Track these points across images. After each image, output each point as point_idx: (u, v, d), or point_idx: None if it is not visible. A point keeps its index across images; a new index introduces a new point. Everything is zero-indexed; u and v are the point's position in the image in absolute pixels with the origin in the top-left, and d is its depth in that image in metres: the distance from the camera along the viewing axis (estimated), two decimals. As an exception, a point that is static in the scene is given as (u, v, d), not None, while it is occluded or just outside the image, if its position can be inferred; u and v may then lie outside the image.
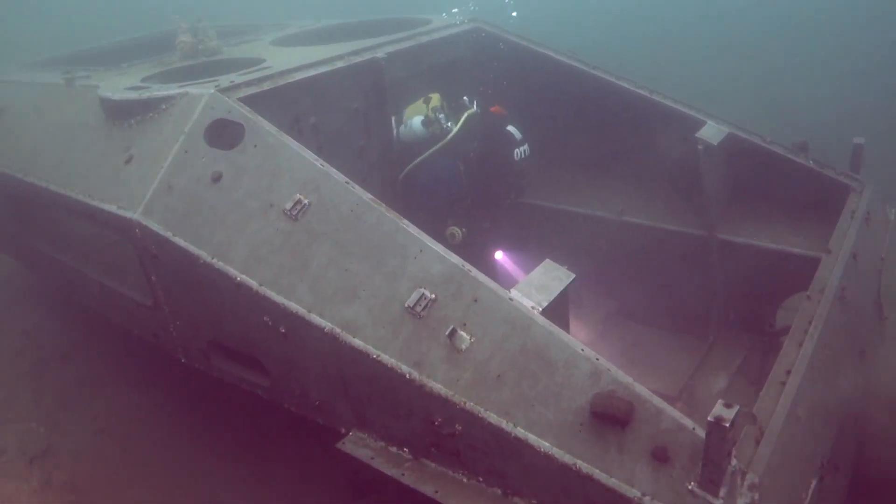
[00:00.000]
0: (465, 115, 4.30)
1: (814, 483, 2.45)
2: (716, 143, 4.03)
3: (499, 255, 4.55)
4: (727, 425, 1.93)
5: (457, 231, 4.25)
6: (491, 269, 4.50)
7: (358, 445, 2.79)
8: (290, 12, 6.64)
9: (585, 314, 4.81)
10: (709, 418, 1.96)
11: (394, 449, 2.73)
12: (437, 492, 2.52)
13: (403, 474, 2.63)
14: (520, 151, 4.35)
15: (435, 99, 4.40)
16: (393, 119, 4.45)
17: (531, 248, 4.57)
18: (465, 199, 4.39)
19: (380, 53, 4.08)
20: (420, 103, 4.42)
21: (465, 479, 2.54)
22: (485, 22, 4.90)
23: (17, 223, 4.64)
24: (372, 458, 2.73)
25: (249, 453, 3.80)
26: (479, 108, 4.46)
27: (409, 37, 4.43)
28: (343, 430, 2.89)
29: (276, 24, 5.79)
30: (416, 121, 4.35)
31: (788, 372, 2.58)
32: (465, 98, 4.47)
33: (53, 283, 5.02)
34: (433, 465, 2.63)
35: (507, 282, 4.40)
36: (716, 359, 4.32)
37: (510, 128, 4.37)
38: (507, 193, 4.54)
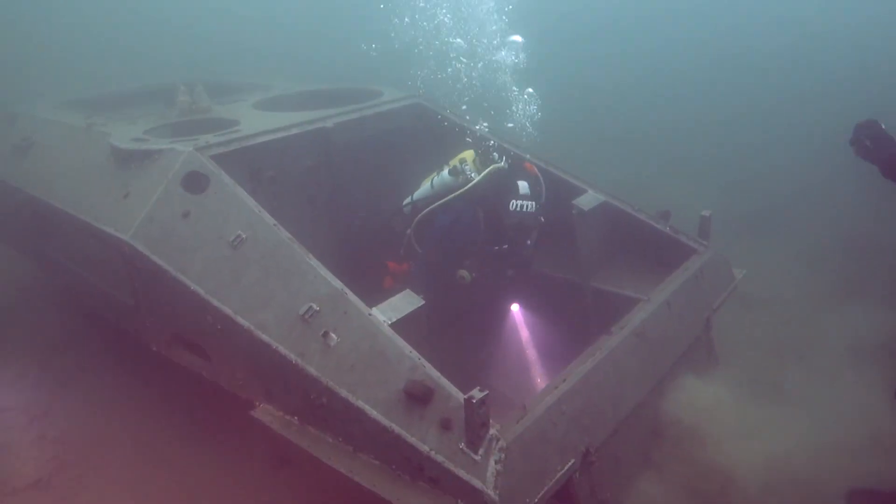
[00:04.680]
0: (490, 167, 4.68)
1: (572, 461, 3.45)
2: (587, 210, 5.11)
3: (515, 308, 5.07)
4: (474, 402, 2.99)
5: (466, 274, 4.60)
6: (499, 316, 5.08)
7: (264, 414, 3.85)
8: (285, 72, 7.86)
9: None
10: (464, 396, 3.03)
11: (288, 417, 3.80)
12: (309, 447, 3.58)
13: (291, 434, 3.69)
14: (518, 203, 4.48)
15: (468, 154, 4.86)
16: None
17: (546, 311, 5.08)
18: (482, 245, 4.65)
19: (329, 123, 5.24)
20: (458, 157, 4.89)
21: (330, 440, 3.59)
22: (425, 98, 6.06)
23: (38, 234, 5.80)
24: (272, 423, 3.80)
25: (199, 428, 4.90)
26: (507, 163, 4.76)
27: (356, 109, 5.58)
28: (257, 403, 3.96)
29: (265, 85, 7.01)
30: (445, 171, 4.82)
31: (564, 380, 3.64)
32: (494, 154, 4.81)
33: (61, 283, 6.19)
34: (312, 429, 3.68)
35: (513, 333, 5.19)
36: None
37: (521, 182, 4.57)
38: (499, 240, 4.62)
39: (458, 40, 5.72)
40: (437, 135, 5.97)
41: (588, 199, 5.22)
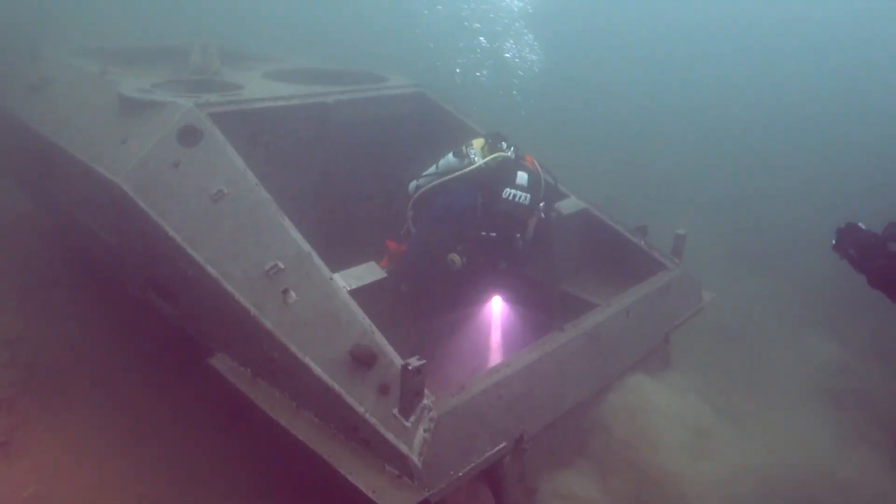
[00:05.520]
0: (496, 154, 4.63)
1: (503, 444, 3.58)
2: (565, 213, 5.25)
3: (497, 300, 4.98)
4: (410, 369, 3.14)
5: (456, 258, 4.47)
6: (479, 305, 5.02)
7: (220, 362, 4.01)
8: (299, 47, 8.07)
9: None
10: (401, 363, 3.17)
11: (241, 368, 3.96)
12: (256, 398, 3.74)
13: (241, 385, 3.85)
14: (511, 192, 4.38)
15: (477, 141, 4.81)
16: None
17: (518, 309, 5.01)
18: (477, 230, 4.52)
19: (329, 99, 5.40)
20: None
21: (277, 394, 3.75)
22: (428, 88, 6.21)
23: (40, 171, 5.99)
24: (226, 372, 3.96)
25: (162, 371, 5.09)
26: (514, 154, 4.71)
27: (358, 89, 5.74)
28: (216, 353, 4.12)
29: (280, 58, 7.20)
30: (451, 154, 4.80)
31: (508, 366, 3.78)
32: (503, 143, 4.74)
33: (55, 221, 6.40)
34: (262, 382, 3.84)
35: (486, 324, 5.17)
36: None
37: (521, 172, 4.46)
38: (488, 227, 4.51)
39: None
40: (437, 125, 6.11)
41: (569, 205, 5.37)
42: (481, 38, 5.35)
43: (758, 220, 11.15)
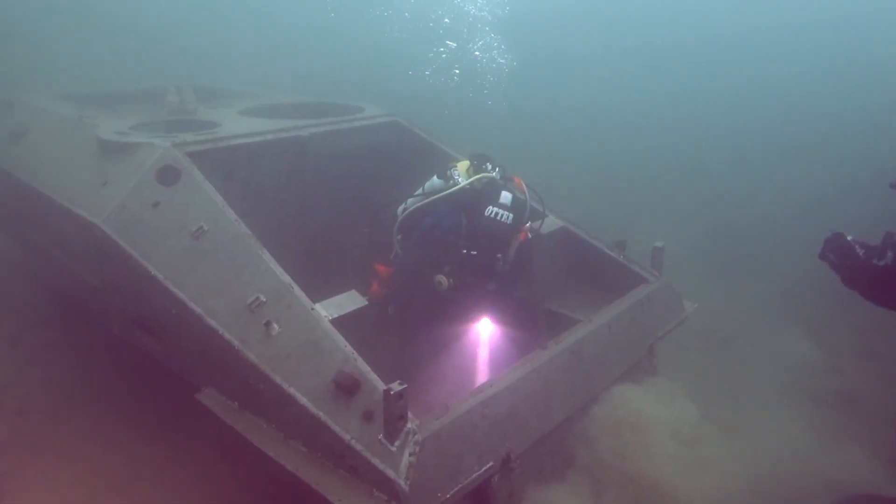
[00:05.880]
0: (479, 175, 4.62)
1: (490, 463, 3.62)
2: (543, 233, 5.33)
3: (486, 322, 4.85)
4: (392, 394, 3.18)
5: (443, 279, 4.45)
6: (466, 327, 4.90)
7: (208, 397, 4.05)
8: (273, 83, 8.20)
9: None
10: (383, 388, 3.22)
11: (229, 402, 3.99)
12: (244, 430, 3.77)
13: (229, 418, 3.89)
14: (494, 210, 4.42)
15: (462, 164, 4.83)
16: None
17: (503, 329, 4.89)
18: (461, 250, 4.50)
19: (305, 133, 5.49)
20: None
21: (264, 425, 3.79)
22: (402, 117, 6.32)
23: (23, 217, 6.04)
24: (214, 407, 3.99)
25: (152, 410, 5.10)
26: (500, 175, 4.73)
27: (333, 121, 5.83)
28: (203, 388, 4.15)
29: (255, 94, 7.31)
30: (435, 176, 4.85)
31: (491, 386, 3.83)
32: (487, 164, 4.75)
33: (40, 266, 6.44)
34: (249, 414, 3.88)
35: (473, 345, 5.02)
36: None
37: (505, 192, 4.52)
38: (469, 245, 4.51)
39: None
40: (412, 152, 6.21)
41: (547, 223, 5.44)
42: (449, 41, 5.46)
43: (737, 227, 11.27)
